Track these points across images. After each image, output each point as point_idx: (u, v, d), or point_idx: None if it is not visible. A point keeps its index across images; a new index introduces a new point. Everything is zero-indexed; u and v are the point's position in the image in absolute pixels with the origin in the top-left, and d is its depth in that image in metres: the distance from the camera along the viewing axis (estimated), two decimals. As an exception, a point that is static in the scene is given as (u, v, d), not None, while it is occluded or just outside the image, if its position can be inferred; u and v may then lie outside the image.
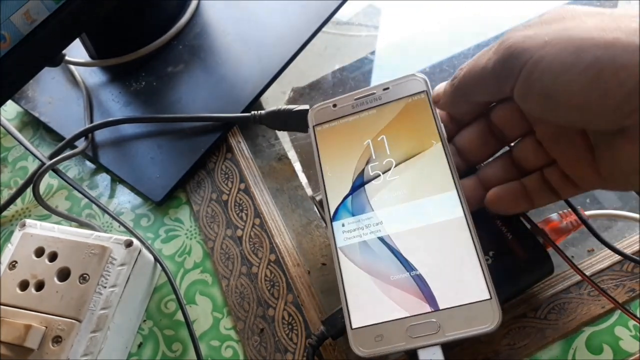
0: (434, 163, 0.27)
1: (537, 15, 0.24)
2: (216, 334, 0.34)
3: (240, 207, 0.38)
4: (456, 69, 0.27)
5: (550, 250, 0.29)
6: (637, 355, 0.29)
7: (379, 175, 0.28)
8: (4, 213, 0.42)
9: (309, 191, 0.39)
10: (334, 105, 0.31)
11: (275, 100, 0.44)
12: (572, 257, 0.32)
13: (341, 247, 0.27)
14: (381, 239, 0.26)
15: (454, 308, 0.23)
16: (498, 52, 0.23)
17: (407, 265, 0.25)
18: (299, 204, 0.38)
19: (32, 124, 0.47)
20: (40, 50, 0.35)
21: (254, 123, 0.40)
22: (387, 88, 0.30)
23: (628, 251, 0.31)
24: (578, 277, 0.31)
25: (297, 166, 0.40)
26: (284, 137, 0.42)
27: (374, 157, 0.29)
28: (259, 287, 0.35)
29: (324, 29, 0.45)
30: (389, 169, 0.28)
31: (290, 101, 0.44)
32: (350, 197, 0.28)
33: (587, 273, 0.31)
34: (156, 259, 0.36)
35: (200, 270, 0.37)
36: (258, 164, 0.40)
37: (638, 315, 0.29)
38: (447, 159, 0.27)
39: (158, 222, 0.39)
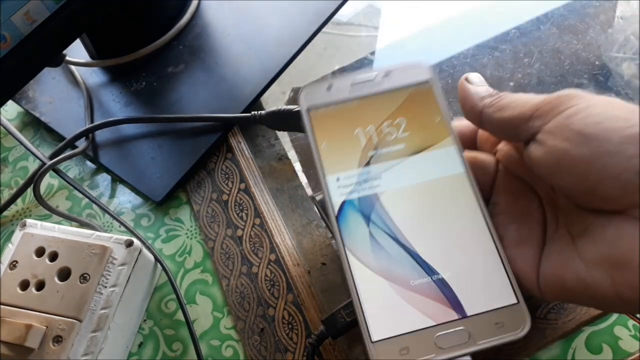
0: (446, 162, 0.26)
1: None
2: (216, 333, 0.34)
3: (241, 207, 0.38)
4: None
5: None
6: (637, 354, 0.29)
7: (385, 172, 0.26)
8: (5, 213, 0.42)
9: (309, 191, 0.39)
10: (329, 88, 0.28)
11: (275, 100, 0.44)
12: (572, 256, 0.32)
13: (351, 249, 0.24)
14: (396, 239, 0.24)
15: (483, 314, 0.22)
16: (545, 97, 0.22)
17: (428, 269, 0.23)
18: (299, 204, 0.38)
19: (33, 124, 0.47)
20: (41, 50, 0.35)
21: (254, 123, 0.40)
22: (389, 74, 0.28)
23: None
24: (577, 277, 0.31)
25: (297, 166, 0.40)
26: (284, 137, 0.42)
27: (377, 151, 0.26)
28: (259, 287, 0.35)
29: (324, 29, 0.45)
30: (395, 165, 0.26)
31: (290, 101, 0.44)
32: (356, 194, 0.25)
33: (587, 273, 0.31)
34: (156, 259, 0.36)
35: (201, 270, 0.37)
36: (258, 164, 0.40)
37: (637, 315, 0.29)
38: (460, 157, 0.25)
39: (158, 222, 0.39)
